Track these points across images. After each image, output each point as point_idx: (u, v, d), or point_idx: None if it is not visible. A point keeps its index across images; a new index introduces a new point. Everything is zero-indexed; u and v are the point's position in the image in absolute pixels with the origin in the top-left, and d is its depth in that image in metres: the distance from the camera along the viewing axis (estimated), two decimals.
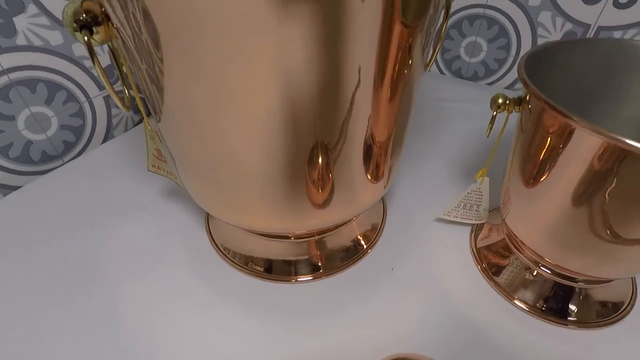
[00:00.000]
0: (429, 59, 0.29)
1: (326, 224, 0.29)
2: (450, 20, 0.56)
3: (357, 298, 0.30)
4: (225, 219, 0.29)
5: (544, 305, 0.29)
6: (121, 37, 0.21)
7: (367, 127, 0.24)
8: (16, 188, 0.41)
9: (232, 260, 0.33)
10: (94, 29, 0.21)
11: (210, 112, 0.21)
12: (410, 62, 0.23)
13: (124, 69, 0.25)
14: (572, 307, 0.29)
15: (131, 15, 0.19)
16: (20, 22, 0.38)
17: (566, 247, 0.25)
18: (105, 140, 0.50)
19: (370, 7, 0.18)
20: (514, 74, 0.55)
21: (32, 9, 0.38)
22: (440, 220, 0.35)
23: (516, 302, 0.29)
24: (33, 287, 0.31)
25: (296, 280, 0.32)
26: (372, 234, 0.35)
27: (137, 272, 0.32)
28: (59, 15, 0.40)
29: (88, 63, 0.45)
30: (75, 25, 0.21)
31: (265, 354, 0.26)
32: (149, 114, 0.34)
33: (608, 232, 0.23)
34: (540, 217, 0.25)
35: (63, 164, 0.46)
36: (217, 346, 0.27)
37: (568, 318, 0.29)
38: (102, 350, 0.27)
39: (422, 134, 0.47)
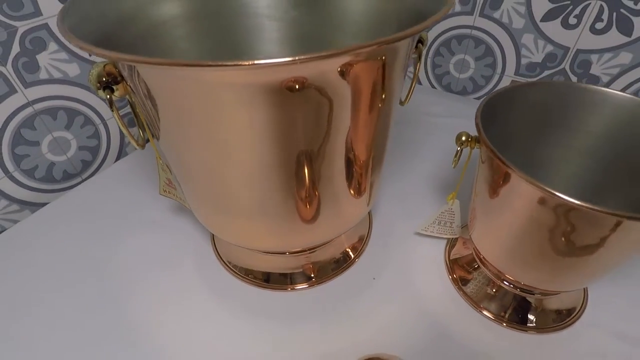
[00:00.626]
0: (404, 97, 0.32)
1: (315, 243, 0.34)
2: (441, 38, 0.59)
3: (343, 304, 0.34)
4: (227, 239, 0.33)
5: (506, 314, 0.33)
6: (135, 91, 0.25)
7: (347, 162, 0.28)
8: (42, 205, 0.46)
9: (234, 272, 0.37)
10: (113, 87, 0.26)
11: (206, 160, 0.25)
12: (383, 101, 0.26)
13: (140, 116, 0.29)
14: (531, 316, 0.33)
15: (136, 81, 0.23)
16: (43, 58, 0.42)
17: (521, 264, 0.29)
18: (119, 157, 0.55)
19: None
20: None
21: (52, 46, 0.43)
22: (418, 234, 0.39)
23: (482, 311, 0.33)
24: (58, 288, 0.35)
25: (292, 289, 0.36)
26: (359, 245, 0.39)
27: (149, 280, 0.36)
28: (76, 49, 0.45)
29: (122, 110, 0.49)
30: (98, 85, 0.25)
31: (261, 352, 0.31)
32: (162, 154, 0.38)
33: (554, 252, 0.26)
34: (498, 237, 0.29)
35: (82, 181, 0.50)
36: (220, 346, 0.31)
37: (527, 325, 0.33)
38: (115, 348, 0.31)
39: (409, 149, 0.51)
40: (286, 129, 0.23)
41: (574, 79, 0.52)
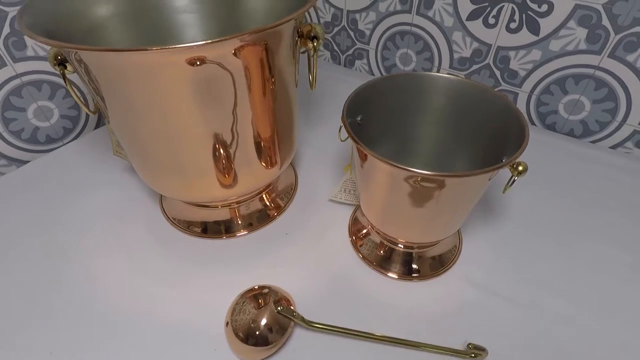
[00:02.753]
0: (313, 83, 0.40)
1: (234, 196, 0.41)
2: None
3: (259, 252, 0.42)
4: (161, 192, 0.41)
5: (394, 268, 0.40)
6: (81, 70, 0.33)
7: (253, 129, 0.35)
8: (26, 162, 0.55)
9: (177, 225, 0.45)
10: (67, 65, 0.33)
11: (136, 125, 0.33)
12: (274, 79, 0.34)
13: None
14: (414, 266, 0.40)
15: (80, 70, 0.30)
16: (30, 39, 0.50)
17: (394, 225, 0.36)
18: (97, 126, 0.63)
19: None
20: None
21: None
22: (331, 201, 0.47)
23: (375, 267, 0.40)
24: (23, 233, 0.44)
25: (224, 237, 0.44)
26: (282, 205, 0.47)
27: (100, 231, 0.44)
28: None
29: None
30: (55, 62, 0.33)
31: (198, 289, 0.38)
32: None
33: (409, 212, 0.33)
34: (374, 203, 0.36)
35: (62, 145, 0.59)
36: (160, 288, 0.38)
37: (412, 275, 0.40)
38: (60, 294, 0.39)
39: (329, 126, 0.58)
40: (197, 99, 0.30)
41: (497, 73, 0.59)
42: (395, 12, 0.63)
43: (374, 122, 0.38)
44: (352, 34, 0.71)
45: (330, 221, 0.45)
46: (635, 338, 0.34)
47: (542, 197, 0.47)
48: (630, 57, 0.48)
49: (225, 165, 0.36)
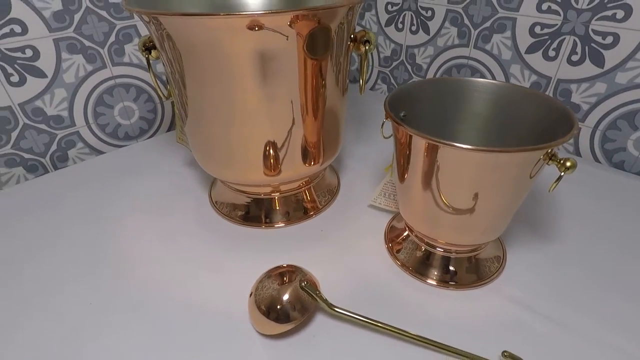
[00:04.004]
0: (361, 89, 0.42)
1: (275, 183, 0.43)
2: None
3: (294, 244, 0.42)
4: (210, 171, 0.44)
5: (431, 274, 0.38)
6: (162, 56, 0.38)
7: (303, 112, 0.38)
8: (103, 153, 0.62)
9: (221, 212, 0.48)
10: (152, 51, 0.39)
11: (206, 105, 0.37)
12: (324, 89, 0.36)
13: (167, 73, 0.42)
14: (453, 271, 0.38)
15: (160, 41, 0.36)
16: (128, 48, 0.60)
17: (431, 224, 0.35)
18: (169, 130, 0.70)
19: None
20: None
21: (136, 40, 0.60)
22: (371, 206, 0.46)
23: (411, 273, 0.38)
24: (90, 210, 0.49)
25: (263, 227, 0.45)
26: (320, 205, 0.47)
27: (158, 212, 0.48)
28: None
29: (164, 77, 0.65)
30: (143, 48, 0.39)
31: (237, 274, 0.39)
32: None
33: (449, 208, 0.33)
34: (412, 200, 0.36)
35: (137, 142, 0.66)
36: (196, 269, 0.40)
37: (449, 282, 0.37)
38: (104, 267, 0.43)
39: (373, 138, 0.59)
40: (255, 68, 0.33)
41: None
42: (454, 46, 0.65)
43: (414, 123, 0.38)
44: (409, 67, 0.74)
45: (368, 227, 0.44)
46: None
47: (602, 231, 0.43)
48: None
49: (270, 147, 0.39)
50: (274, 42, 0.32)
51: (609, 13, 0.48)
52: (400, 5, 0.70)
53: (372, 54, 0.80)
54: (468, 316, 0.34)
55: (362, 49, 0.39)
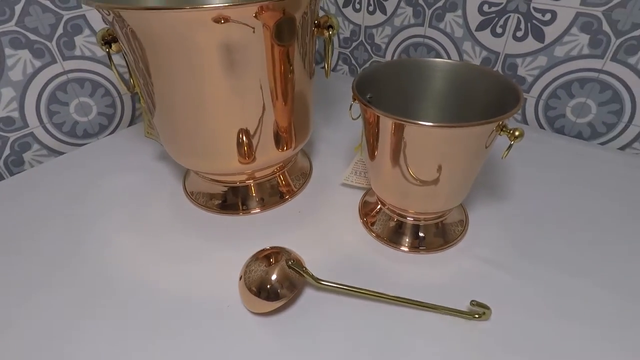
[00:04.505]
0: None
1: (253, 168, 0.44)
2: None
3: (273, 227, 0.44)
4: (184, 164, 0.44)
5: (404, 241, 0.41)
6: (122, 45, 0.37)
7: (273, 110, 0.39)
8: (62, 153, 0.59)
9: (196, 202, 0.48)
10: (112, 44, 0.38)
11: (166, 91, 0.37)
12: (292, 75, 0.37)
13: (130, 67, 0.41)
14: (422, 237, 0.41)
15: (124, 36, 0.35)
16: (79, 40, 0.57)
17: (401, 196, 0.38)
18: (130, 125, 0.68)
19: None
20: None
21: (86, 31, 0.57)
22: (343, 184, 0.49)
23: (386, 242, 0.41)
24: (55, 213, 0.47)
25: (241, 214, 0.46)
26: (295, 188, 0.49)
27: (133, 209, 0.47)
28: None
29: (121, 69, 0.63)
30: (102, 41, 0.38)
31: (222, 261, 0.41)
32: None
33: (416, 180, 0.36)
34: (382, 174, 0.38)
35: (97, 140, 0.64)
36: (186, 261, 0.41)
37: (420, 248, 0.41)
38: (85, 257, 0.42)
39: (337, 114, 0.61)
40: (223, 59, 0.34)
41: None
42: (410, 26, 0.68)
43: (380, 104, 0.40)
44: (369, 47, 0.76)
45: (342, 204, 0.47)
46: (634, 304, 0.34)
47: (549, 190, 0.48)
48: (632, 60, 0.50)
49: (243, 135, 0.40)
50: (241, 33, 0.33)
51: None
52: None
53: None
54: (439, 275, 0.37)
55: (326, 33, 0.40)
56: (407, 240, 0.41)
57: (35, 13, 0.52)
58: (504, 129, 0.31)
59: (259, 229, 0.44)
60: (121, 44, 0.37)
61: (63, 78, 0.57)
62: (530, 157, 0.54)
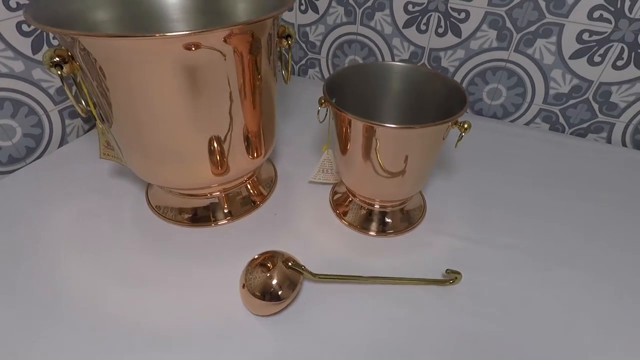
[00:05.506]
0: (286, 77, 0.46)
1: (224, 182, 0.45)
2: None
3: (252, 233, 0.46)
4: (155, 182, 0.43)
5: (374, 227, 0.46)
6: (82, 69, 0.35)
7: (242, 115, 0.40)
8: None
9: (162, 215, 0.47)
10: (63, 66, 0.36)
11: (139, 116, 0.36)
12: (259, 88, 0.39)
13: (84, 89, 0.39)
14: (388, 220, 0.47)
15: (80, 56, 0.33)
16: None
17: (368, 185, 0.43)
18: (61, 145, 0.62)
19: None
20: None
21: (0, 45, 0.51)
22: (311, 182, 0.52)
23: (358, 229, 0.46)
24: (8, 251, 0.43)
25: (213, 225, 0.47)
26: (266, 192, 0.51)
27: (95, 238, 0.44)
28: (21, 48, 0.53)
29: (45, 84, 0.57)
30: (50, 63, 0.35)
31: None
32: (101, 119, 0.47)
33: (385, 173, 0.40)
34: (352, 170, 0.43)
35: (26, 165, 0.57)
36: (151, 282, 0.41)
37: (387, 231, 0.46)
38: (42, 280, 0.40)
39: (299, 119, 0.65)
40: (193, 86, 0.34)
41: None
42: (342, 24, 0.72)
43: (345, 105, 0.44)
44: (304, 45, 0.79)
45: (313, 200, 0.50)
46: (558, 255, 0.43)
47: (482, 167, 0.57)
48: (530, 51, 0.61)
49: (217, 150, 0.40)
50: (210, 56, 0.33)
51: None
52: None
53: None
54: (411, 253, 0.43)
55: (285, 43, 0.43)
56: (377, 225, 0.46)
57: None
58: (456, 123, 0.37)
59: (238, 237, 0.45)
60: (79, 67, 0.35)
61: None
62: (462, 140, 0.62)
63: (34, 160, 0.58)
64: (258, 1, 0.45)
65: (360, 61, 0.75)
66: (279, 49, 0.44)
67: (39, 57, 0.55)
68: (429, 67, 0.40)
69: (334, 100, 0.42)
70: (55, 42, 0.57)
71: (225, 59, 0.34)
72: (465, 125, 0.38)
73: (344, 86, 0.44)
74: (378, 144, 0.38)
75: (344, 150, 0.41)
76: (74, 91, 0.37)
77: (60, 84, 0.35)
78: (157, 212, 0.48)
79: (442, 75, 0.44)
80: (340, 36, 0.74)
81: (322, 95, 0.42)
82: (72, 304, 0.37)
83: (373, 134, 0.37)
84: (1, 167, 0.55)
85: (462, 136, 0.38)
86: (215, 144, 0.40)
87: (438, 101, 0.44)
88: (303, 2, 0.73)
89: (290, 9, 0.74)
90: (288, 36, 0.43)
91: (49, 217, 0.47)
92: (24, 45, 0.53)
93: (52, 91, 0.59)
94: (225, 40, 0.33)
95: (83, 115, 0.39)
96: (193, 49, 0.32)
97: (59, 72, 0.36)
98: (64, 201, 0.49)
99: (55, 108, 0.60)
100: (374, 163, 0.40)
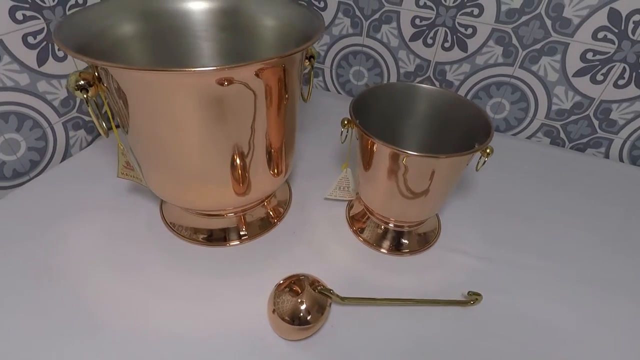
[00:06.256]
0: (306, 94, 0.46)
1: (246, 203, 0.45)
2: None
3: (271, 252, 0.46)
4: (178, 204, 0.43)
5: (390, 246, 0.47)
6: (109, 92, 0.35)
7: (266, 140, 0.40)
8: None
9: (178, 233, 0.47)
10: (89, 89, 0.35)
11: (165, 140, 0.36)
12: (287, 94, 0.39)
13: (107, 110, 0.38)
14: (404, 241, 0.48)
15: (108, 82, 0.33)
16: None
17: (389, 206, 0.44)
18: (64, 157, 0.61)
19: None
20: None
21: (6, 58, 0.49)
22: (326, 199, 0.53)
23: (374, 247, 0.47)
24: (14, 278, 0.42)
25: (229, 245, 0.47)
26: (282, 210, 0.51)
27: (116, 257, 0.44)
28: (26, 61, 0.51)
29: (50, 96, 0.56)
30: (76, 87, 0.35)
31: (206, 296, 0.41)
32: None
33: (407, 193, 0.41)
34: (374, 190, 0.43)
35: (30, 179, 0.56)
36: (166, 299, 0.40)
37: (403, 250, 0.47)
38: (67, 300, 0.39)
39: (316, 136, 0.65)
40: (222, 115, 0.34)
41: (436, 84, 0.71)
42: (348, 35, 0.72)
43: (367, 124, 0.45)
44: None
45: (329, 217, 0.51)
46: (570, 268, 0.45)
47: (490, 180, 0.58)
48: (534, 67, 0.63)
49: (241, 174, 0.40)
50: (240, 87, 0.33)
51: (469, 10, 0.61)
52: None
53: None
54: (429, 272, 0.44)
55: (308, 63, 0.43)
56: (392, 244, 0.47)
57: None
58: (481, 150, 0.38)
59: (257, 256, 0.45)
60: (106, 89, 0.34)
61: None
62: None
63: (37, 175, 0.57)
64: (283, 15, 0.45)
65: (365, 72, 0.75)
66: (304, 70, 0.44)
67: (44, 69, 0.54)
68: (453, 92, 0.41)
69: (357, 121, 0.43)
70: (60, 54, 0.55)
71: (255, 90, 0.34)
72: (488, 151, 0.39)
73: (369, 104, 0.45)
74: (403, 168, 0.38)
75: (366, 168, 0.42)
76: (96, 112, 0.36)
77: (66, 95, 0.34)
78: (171, 228, 0.48)
79: (466, 100, 0.44)
80: (345, 47, 0.74)
81: (345, 118, 0.42)
82: (109, 320, 0.37)
83: (398, 159, 0.38)
84: (5, 181, 0.54)
85: (485, 161, 0.39)
86: (239, 167, 0.40)
87: (462, 126, 0.44)
88: None
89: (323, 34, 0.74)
90: (311, 57, 0.43)
91: (65, 234, 0.46)
92: (30, 57, 0.52)
93: (56, 103, 0.57)
94: (257, 74, 0.33)
95: (104, 136, 0.38)
96: (226, 84, 0.32)
97: (85, 96, 0.35)
98: (78, 217, 0.48)
99: (59, 120, 0.58)
100: (398, 185, 0.40)
